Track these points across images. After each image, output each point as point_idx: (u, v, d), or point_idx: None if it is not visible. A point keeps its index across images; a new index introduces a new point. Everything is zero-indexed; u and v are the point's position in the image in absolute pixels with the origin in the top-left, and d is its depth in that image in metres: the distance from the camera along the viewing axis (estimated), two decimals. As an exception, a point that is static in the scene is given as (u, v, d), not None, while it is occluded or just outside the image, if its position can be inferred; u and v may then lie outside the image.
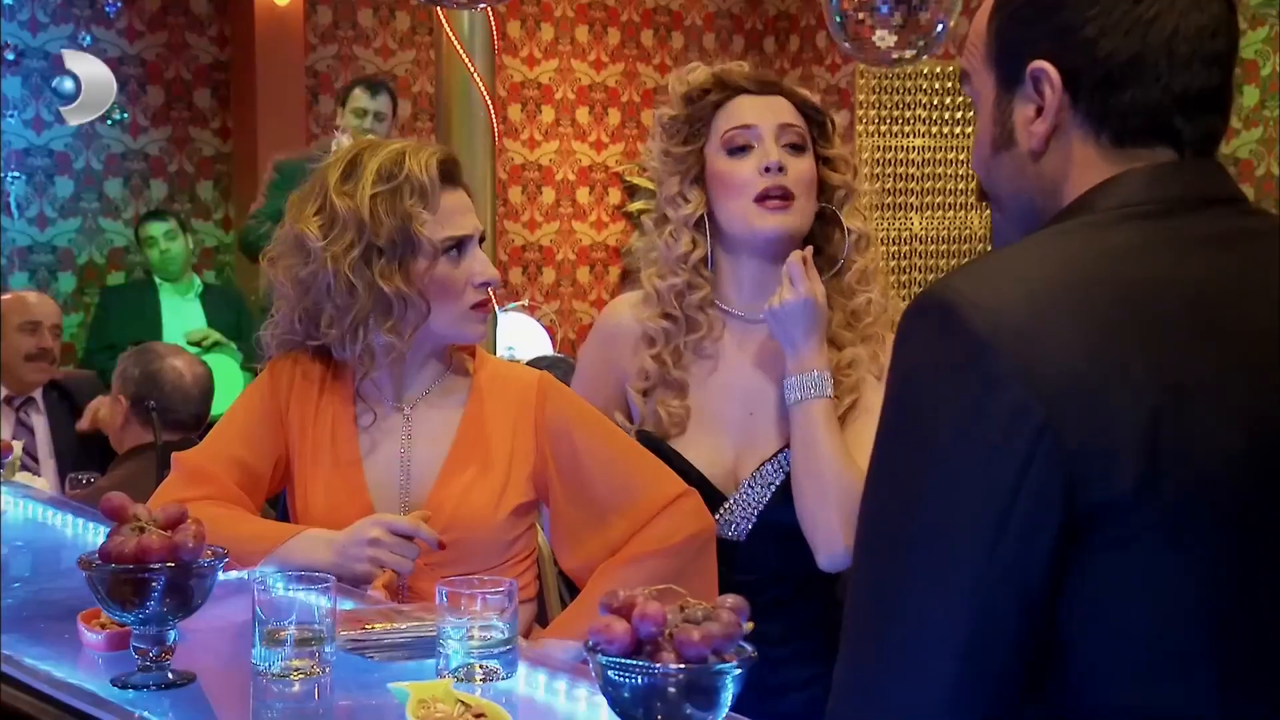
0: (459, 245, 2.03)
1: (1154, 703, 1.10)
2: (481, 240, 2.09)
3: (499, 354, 5.51)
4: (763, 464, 2.09)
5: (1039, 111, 1.23)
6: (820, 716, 1.16)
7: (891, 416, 1.17)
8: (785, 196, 2.07)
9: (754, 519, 2.09)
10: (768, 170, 2.07)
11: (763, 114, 2.10)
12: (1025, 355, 1.08)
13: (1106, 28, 1.19)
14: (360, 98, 5.33)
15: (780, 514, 2.07)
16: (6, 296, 4.37)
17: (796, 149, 2.10)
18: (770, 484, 2.08)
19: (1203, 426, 1.10)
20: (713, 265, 2.15)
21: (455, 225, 2.03)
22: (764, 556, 2.09)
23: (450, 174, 2.05)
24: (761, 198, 2.08)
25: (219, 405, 4.61)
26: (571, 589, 2.36)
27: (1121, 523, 1.08)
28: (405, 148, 2.03)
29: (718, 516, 2.09)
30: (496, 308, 2.21)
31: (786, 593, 2.10)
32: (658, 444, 2.12)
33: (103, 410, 3.85)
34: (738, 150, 2.10)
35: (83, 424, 4.02)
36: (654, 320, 2.14)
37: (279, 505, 2.36)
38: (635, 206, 7.72)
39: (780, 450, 2.09)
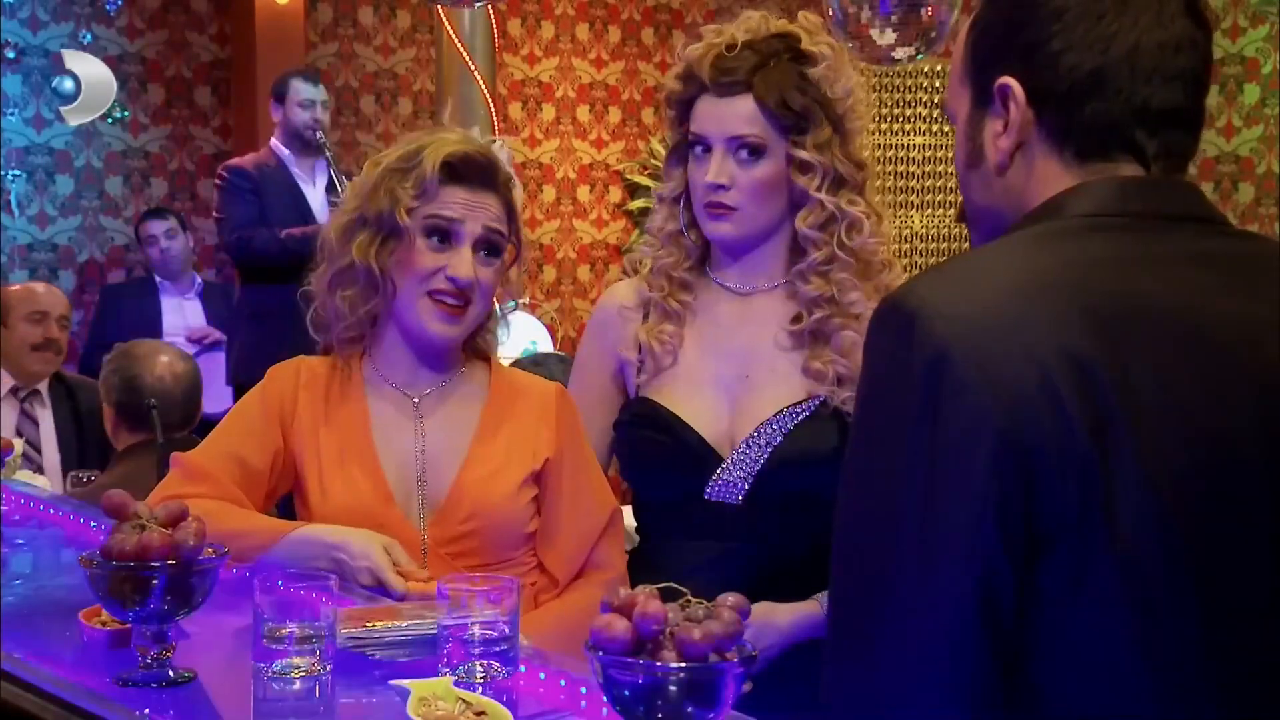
0: (445, 233, 2.02)
1: None
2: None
3: (522, 349, 5.48)
4: (760, 425, 2.08)
5: (1005, 127, 1.24)
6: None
7: (861, 422, 1.18)
8: (727, 207, 2.09)
9: (751, 480, 2.07)
10: (710, 187, 2.09)
11: (717, 122, 2.09)
12: (986, 365, 1.09)
13: (1070, 43, 1.21)
14: (304, 89, 5.25)
15: (779, 478, 2.05)
16: (15, 287, 4.38)
17: (753, 153, 2.09)
18: (769, 444, 2.07)
19: (1159, 447, 1.09)
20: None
21: (443, 210, 2.02)
22: (763, 525, 2.07)
23: (459, 171, 2.03)
24: (702, 206, 2.12)
25: (220, 403, 4.64)
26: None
27: (1074, 541, 1.08)
28: (439, 138, 2.05)
29: (714, 479, 2.08)
30: (498, 307, 2.20)
31: (789, 567, 2.05)
32: (655, 407, 2.13)
33: None
34: (698, 152, 2.12)
35: None
36: (645, 285, 2.19)
37: (281, 507, 2.36)
38: (636, 205, 7.72)
39: (778, 412, 2.08)
